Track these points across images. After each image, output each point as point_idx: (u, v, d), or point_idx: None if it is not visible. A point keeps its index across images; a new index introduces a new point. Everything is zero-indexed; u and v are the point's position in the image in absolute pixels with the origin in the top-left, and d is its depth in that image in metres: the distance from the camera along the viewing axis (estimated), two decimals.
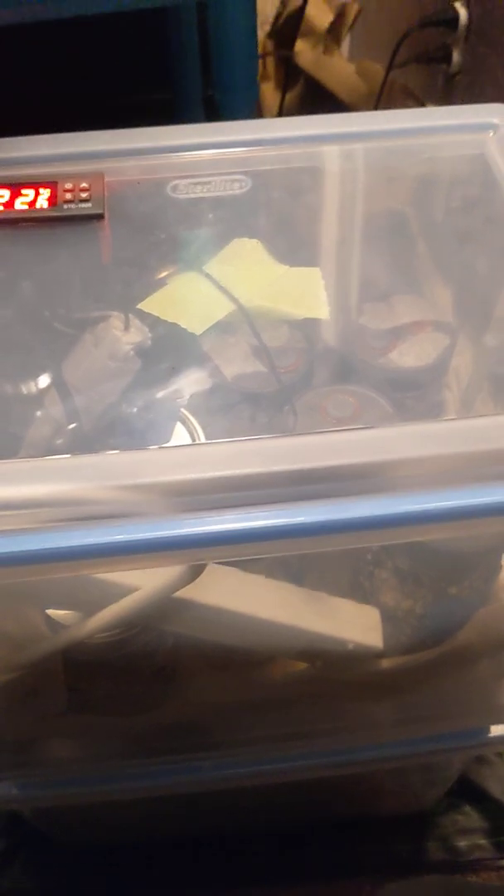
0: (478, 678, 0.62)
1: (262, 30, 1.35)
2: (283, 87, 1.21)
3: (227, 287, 0.48)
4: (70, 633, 0.49)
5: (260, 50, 1.31)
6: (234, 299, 0.47)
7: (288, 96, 1.20)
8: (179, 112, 0.72)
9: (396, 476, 0.41)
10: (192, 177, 0.52)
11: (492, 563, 0.55)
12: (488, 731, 0.63)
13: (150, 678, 0.56)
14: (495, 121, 0.55)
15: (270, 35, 1.31)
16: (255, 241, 0.50)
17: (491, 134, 0.55)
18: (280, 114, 1.19)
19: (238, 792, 0.69)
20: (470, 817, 0.83)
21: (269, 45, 1.31)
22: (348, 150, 0.54)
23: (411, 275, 0.59)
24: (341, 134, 0.54)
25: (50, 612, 0.51)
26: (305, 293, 0.48)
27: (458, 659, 0.57)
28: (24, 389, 0.53)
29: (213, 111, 0.71)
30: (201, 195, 0.52)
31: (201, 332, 0.47)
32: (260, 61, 1.30)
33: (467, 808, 0.84)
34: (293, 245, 0.52)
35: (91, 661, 0.52)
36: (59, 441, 0.54)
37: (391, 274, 0.58)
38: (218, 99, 0.63)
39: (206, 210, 0.51)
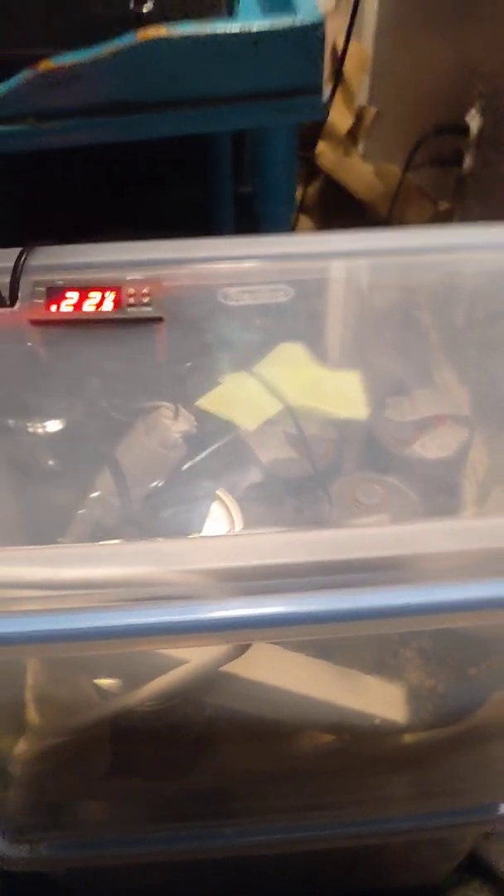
0: (492, 756, 0.66)
1: None
2: (305, 182, 1.28)
3: (275, 387, 0.53)
4: (118, 702, 0.53)
5: None
6: (282, 399, 0.52)
7: (309, 190, 1.28)
8: (212, 208, 0.78)
9: (423, 568, 0.45)
10: (241, 285, 0.58)
11: None
12: (499, 807, 0.66)
13: (188, 745, 0.59)
14: None
15: None
16: (298, 345, 0.55)
17: None
18: (301, 208, 1.27)
19: (257, 860, 0.71)
20: (481, 893, 0.85)
21: None
22: (379, 264, 0.59)
23: (431, 374, 0.64)
24: (374, 249, 0.59)
25: (97, 681, 0.55)
26: (346, 394, 0.53)
27: (476, 737, 0.61)
28: (84, 472, 0.58)
29: (247, 211, 0.77)
30: (249, 302, 0.57)
31: (255, 429, 0.52)
32: None
33: (476, 884, 0.86)
34: (332, 349, 0.57)
35: (134, 728, 0.56)
36: (110, 521, 0.59)
37: (414, 373, 0.64)
38: (259, 212, 0.69)
39: (254, 316, 0.57)
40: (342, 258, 0.59)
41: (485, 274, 0.60)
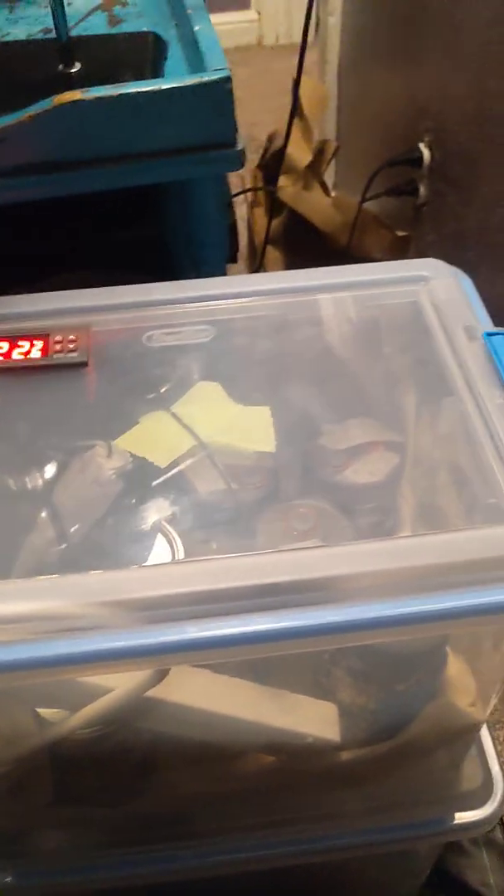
0: (436, 768, 0.67)
1: (253, 162, 1.49)
2: (269, 215, 1.32)
3: (189, 425, 0.56)
4: (53, 731, 0.55)
5: (251, 182, 1.44)
6: (195, 436, 0.55)
7: (274, 223, 1.32)
8: (166, 247, 0.81)
9: (347, 588, 0.48)
10: (165, 327, 0.61)
11: (435, 661, 0.61)
12: (453, 818, 0.68)
13: (131, 771, 0.62)
14: (426, 274, 0.63)
15: (259, 166, 1.44)
16: (215, 383, 0.58)
17: (423, 285, 0.63)
18: (267, 238, 1.31)
19: (220, 882, 0.73)
20: None
21: (259, 176, 1.44)
22: (300, 302, 0.62)
23: (365, 402, 0.67)
24: (295, 287, 0.63)
25: (40, 710, 0.58)
26: (256, 429, 0.56)
27: (413, 750, 0.63)
28: (19, 513, 0.61)
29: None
30: (172, 343, 0.60)
31: (165, 465, 0.55)
32: (251, 192, 1.43)
33: None
34: (251, 386, 0.60)
35: (75, 755, 0.58)
36: (51, 558, 0.62)
37: (347, 401, 0.67)
38: (196, 255, 0.73)
39: (176, 356, 0.60)
40: (264, 297, 0.62)
41: (401, 306, 0.63)
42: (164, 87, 0.59)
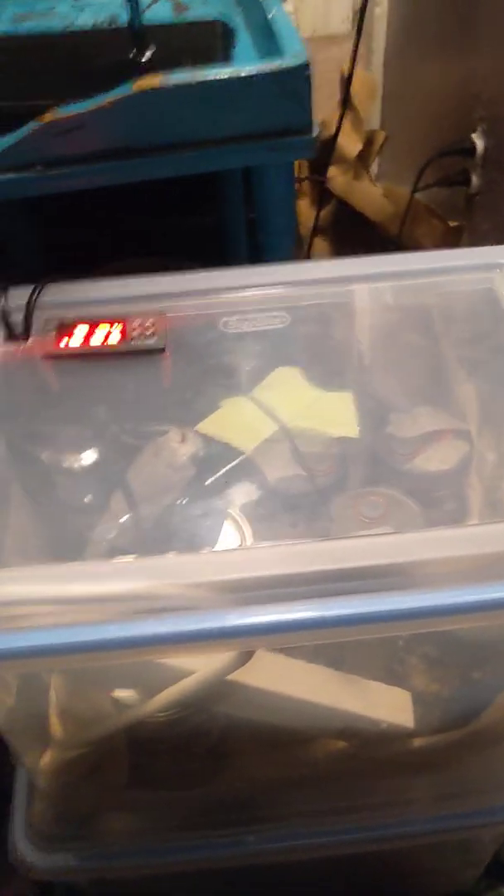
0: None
1: None
2: (318, 204, 1.32)
3: (271, 410, 0.56)
4: (132, 713, 0.56)
5: (297, 172, 1.43)
6: (277, 420, 0.55)
7: (322, 213, 1.31)
8: (225, 234, 0.81)
9: (420, 574, 0.48)
10: (240, 313, 0.61)
11: None
12: None
13: (204, 755, 0.62)
14: (502, 261, 0.63)
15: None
16: (294, 368, 0.58)
17: (498, 272, 0.63)
18: (315, 229, 1.30)
19: (282, 867, 0.73)
20: None
21: (305, 167, 1.43)
22: (373, 289, 0.62)
23: (432, 390, 0.67)
24: (367, 274, 0.62)
25: (115, 693, 0.58)
26: (339, 415, 0.56)
27: (486, 738, 0.62)
28: (95, 495, 0.61)
29: (255, 239, 0.80)
30: (248, 329, 0.60)
31: (250, 449, 0.55)
32: (297, 183, 1.42)
33: None
34: (327, 371, 0.60)
35: (151, 738, 0.59)
36: (123, 541, 0.62)
37: (414, 389, 0.66)
38: (262, 242, 0.73)
39: (253, 342, 0.60)
40: (336, 284, 0.62)
41: (474, 293, 0.63)
42: (244, 73, 0.59)
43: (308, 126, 0.62)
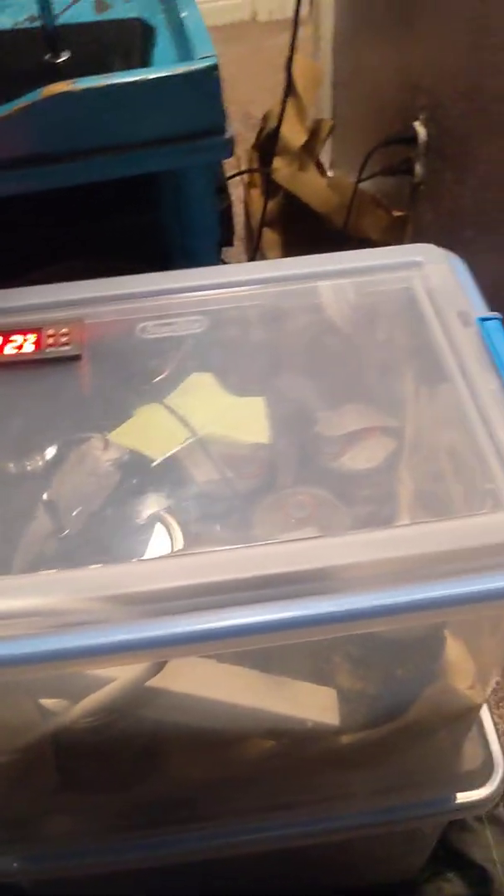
0: (437, 749, 0.68)
1: (249, 141, 1.48)
2: (266, 196, 1.31)
3: (184, 417, 0.56)
4: (56, 720, 0.56)
5: (246, 163, 1.43)
6: (189, 427, 0.55)
7: (270, 205, 1.31)
8: (161, 234, 0.80)
9: (344, 578, 0.48)
10: (159, 318, 0.61)
11: (433, 646, 0.61)
12: (455, 798, 0.69)
13: (134, 758, 0.62)
14: (420, 259, 0.63)
15: (255, 146, 1.43)
16: (209, 374, 0.58)
17: (416, 270, 0.63)
18: (263, 221, 1.30)
19: (226, 864, 0.74)
20: (454, 884, 0.88)
21: (255, 157, 1.43)
22: (292, 290, 0.62)
23: (355, 390, 0.67)
24: (286, 276, 0.62)
25: (43, 701, 0.58)
26: (250, 420, 0.56)
27: (413, 733, 0.63)
28: (17, 506, 0.61)
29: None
30: (166, 335, 0.60)
31: (160, 460, 0.55)
32: (247, 174, 1.42)
33: (451, 875, 0.88)
34: (244, 376, 0.60)
35: (78, 744, 0.59)
36: (50, 551, 0.62)
37: (337, 390, 0.67)
38: (185, 244, 0.73)
39: (170, 348, 0.60)
40: (253, 286, 0.62)
41: (393, 292, 0.63)
42: (152, 76, 0.59)
43: (221, 127, 0.62)
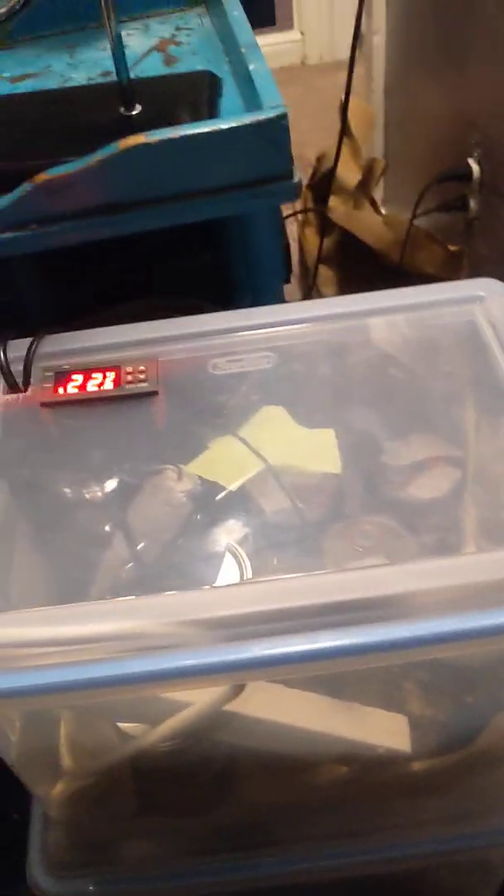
0: None
1: (303, 182, 1.51)
2: (321, 232, 1.35)
3: (256, 448, 0.58)
4: (136, 744, 0.58)
5: (301, 202, 1.47)
6: (262, 458, 0.58)
7: (326, 242, 1.34)
8: (226, 273, 0.83)
9: (411, 605, 0.49)
10: (229, 354, 0.64)
11: (502, 674, 0.62)
12: None
13: (210, 782, 0.64)
14: (482, 293, 0.65)
15: (309, 186, 1.47)
16: (279, 407, 0.61)
17: (479, 304, 0.65)
18: (319, 258, 1.33)
19: (296, 890, 0.75)
20: None
21: (309, 196, 1.46)
22: (357, 326, 0.64)
23: (419, 422, 0.69)
24: (350, 312, 0.65)
25: (122, 724, 0.60)
26: (321, 451, 0.58)
27: (483, 760, 0.64)
28: (96, 535, 0.64)
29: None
30: (236, 370, 0.63)
31: (235, 488, 0.57)
32: (302, 214, 1.46)
33: None
34: (312, 408, 0.62)
35: (157, 767, 0.61)
36: (126, 578, 0.65)
37: (401, 422, 0.68)
38: (254, 281, 0.76)
39: (240, 383, 0.62)
40: (319, 323, 0.65)
41: (456, 325, 0.65)
42: (224, 126, 0.62)
43: (289, 172, 0.65)
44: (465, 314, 0.65)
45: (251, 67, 0.70)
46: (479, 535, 0.69)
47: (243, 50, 0.74)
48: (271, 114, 0.63)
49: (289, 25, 2.45)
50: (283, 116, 0.63)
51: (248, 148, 0.63)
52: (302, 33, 2.46)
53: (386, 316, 0.65)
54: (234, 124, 0.63)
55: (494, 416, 0.64)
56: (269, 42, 2.52)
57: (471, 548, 0.68)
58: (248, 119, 0.63)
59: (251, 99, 0.71)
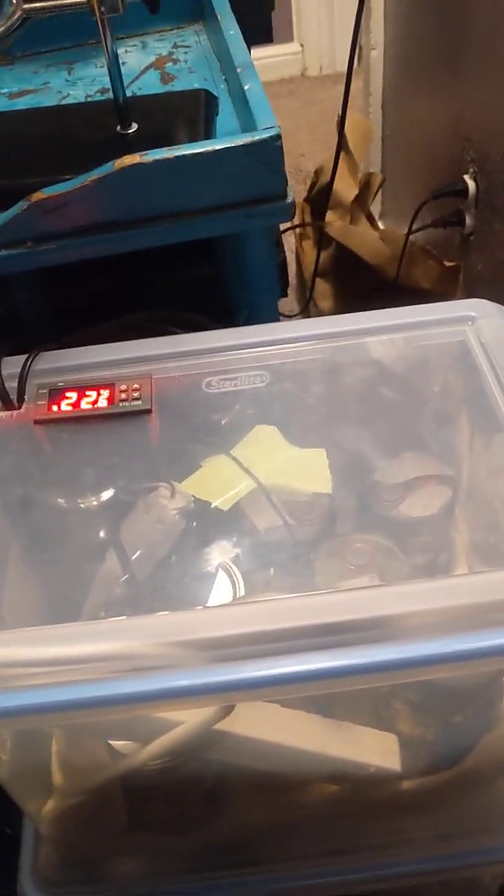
0: (497, 796, 0.68)
1: (301, 194, 1.52)
2: (318, 247, 1.35)
3: (249, 467, 0.58)
4: (126, 762, 0.58)
5: (299, 215, 1.47)
6: (254, 478, 0.58)
7: (322, 256, 1.35)
8: (220, 288, 0.84)
9: (402, 626, 0.50)
10: (223, 373, 0.64)
11: (492, 693, 0.62)
12: None
13: (200, 800, 0.64)
14: (473, 314, 0.65)
15: (306, 200, 1.48)
16: (272, 427, 0.61)
17: (470, 325, 0.65)
18: (316, 272, 1.33)
19: None
20: None
21: (307, 209, 1.47)
22: (349, 346, 0.65)
23: (411, 441, 0.69)
24: (342, 332, 0.65)
25: (112, 742, 0.61)
26: (313, 470, 0.58)
27: (472, 779, 0.64)
28: (89, 552, 0.64)
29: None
30: (230, 389, 0.63)
31: (227, 508, 0.57)
32: (300, 228, 1.46)
33: None
34: (304, 427, 0.63)
35: (147, 785, 0.61)
36: (118, 596, 0.65)
37: (393, 441, 0.69)
38: (248, 298, 0.76)
39: (234, 402, 0.63)
40: (312, 342, 0.65)
41: (448, 345, 0.65)
42: (218, 147, 0.62)
43: (283, 192, 0.65)
44: (457, 334, 0.65)
45: (246, 87, 0.71)
46: (470, 554, 0.70)
47: (239, 70, 0.74)
48: (265, 135, 0.63)
49: (288, 37, 2.46)
50: (277, 137, 0.63)
51: (241, 168, 0.64)
52: (301, 45, 2.47)
53: (379, 335, 0.65)
54: (228, 145, 0.63)
55: (486, 436, 0.65)
56: (268, 54, 2.53)
57: (462, 567, 0.69)
58: (241, 140, 0.63)
59: (247, 118, 0.72)
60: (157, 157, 0.63)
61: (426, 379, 0.66)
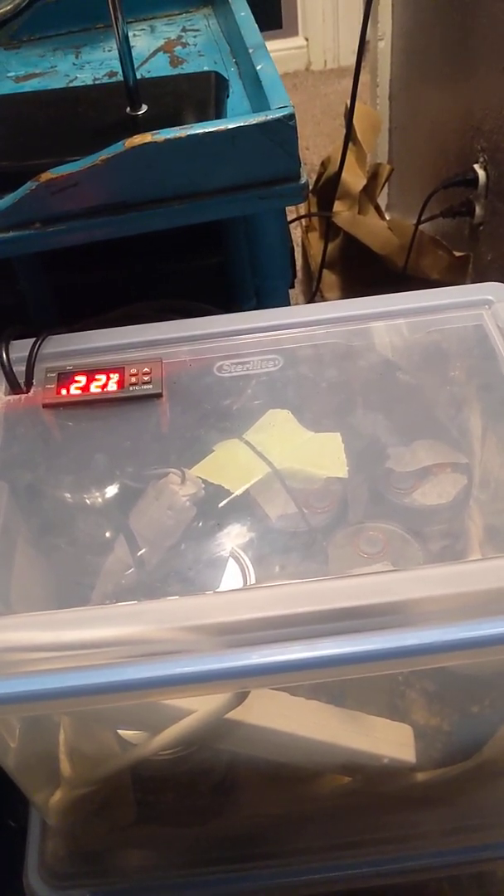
0: None
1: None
2: (325, 237, 1.34)
3: (262, 451, 0.57)
4: (136, 752, 0.57)
5: (305, 207, 1.46)
6: (268, 463, 0.57)
7: (330, 247, 1.33)
8: (230, 275, 0.82)
9: (416, 612, 0.49)
10: (235, 357, 0.63)
11: None
12: None
13: (210, 791, 0.63)
14: (490, 297, 0.64)
15: (313, 191, 1.46)
16: (286, 411, 0.60)
17: (487, 308, 0.64)
18: (323, 263, 1.32)
19: None
20: None
21: (314, 201, 1.46)
22: (363, 329, 0.64)
23: (427, 427, 0.68)
24: (357, 315, 0.64)
25: (121, 731, 0.59)
26: (328, 455, 0.57)
27: (488, 771, 0.63)
28: (98, 539, 0.63)
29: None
30: (242, 373, 0.62)
31: (240, 492, 0.56)
32: (307, 219, 1.45)
33: None
34: (319, 412, 0.61)
35: (156, 776, 0.60)
36: (129, 583, 0.64)
37: (409, 426, 0.67)
38: (258, 286, 0.75)
39: (246, 386, 0.62)
40: (326, 326, 0.64)
41: (464, 330, 0.64)
42: (231, 126, 0.61)
43: (297, 173, 0.64)
44: (473, 318, 0.64)
45: (258, 68, 0.70)
46: (484, 541, 0.69)
47: (251, 50, 0.73)
48: (278, 114, 0.62)
49: (293, 31, 2.45)
50: (291, 116, 0.62)
51: (254, 148, 0.62)
52: (306, 39, 2.46)
53: (393, 320, 0.64)
54: (240, 124, 0.62)
55: (501, 423, 0.64)
56: (273, 48, 2.50)
57: (476, 555, 0.67)
58: (254, 119, 0.62)
59: (258, 100, 0.71)
60: (168, 136, 0.61)
61: (442, 363, 0.65)
